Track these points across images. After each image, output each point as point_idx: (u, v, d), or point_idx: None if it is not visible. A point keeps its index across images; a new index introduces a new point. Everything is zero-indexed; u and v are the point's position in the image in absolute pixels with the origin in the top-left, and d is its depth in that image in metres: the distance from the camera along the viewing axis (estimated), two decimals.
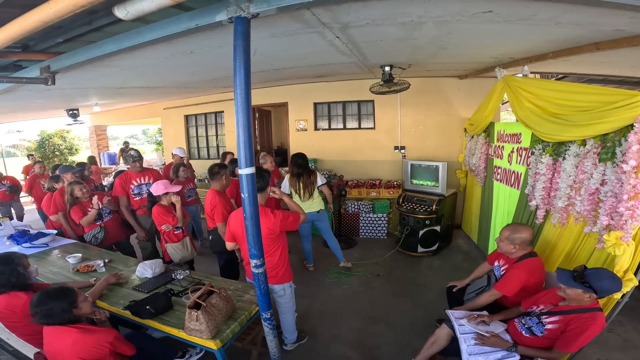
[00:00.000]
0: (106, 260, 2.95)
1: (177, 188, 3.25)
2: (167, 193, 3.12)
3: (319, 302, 3.45)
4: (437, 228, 4.41)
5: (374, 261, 4.37)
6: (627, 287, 1.94)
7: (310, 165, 5.91)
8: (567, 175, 2.30)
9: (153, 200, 3.15)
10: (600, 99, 2.04)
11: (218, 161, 3.95)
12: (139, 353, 1.95)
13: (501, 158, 3.70)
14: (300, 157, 3.92)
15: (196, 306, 1.91)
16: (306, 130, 6.22)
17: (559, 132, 2.33)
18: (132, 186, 3.67)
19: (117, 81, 4.24)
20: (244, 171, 1.69)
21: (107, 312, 2.06)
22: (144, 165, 3.94)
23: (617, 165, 1.87)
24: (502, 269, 2.47)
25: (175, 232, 3.16)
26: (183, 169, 4.53)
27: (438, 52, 3.32)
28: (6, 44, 1.88)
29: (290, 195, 3.06)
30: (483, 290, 2.56)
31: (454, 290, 2.72)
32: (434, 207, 4.28)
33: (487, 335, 2.04)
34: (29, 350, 1.98)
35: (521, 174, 3.19)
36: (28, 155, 8.89)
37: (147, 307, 2.12)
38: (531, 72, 3.97)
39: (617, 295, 1.99)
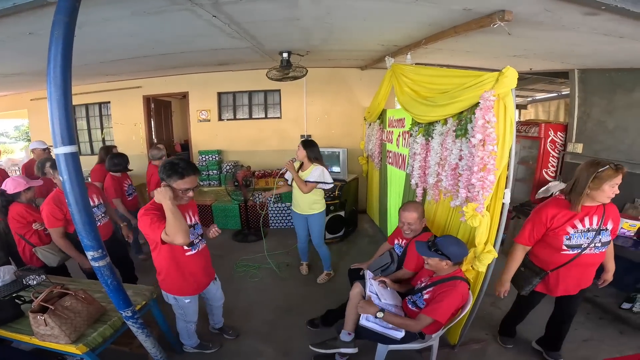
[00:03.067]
0: None
1: (39, 182, 2.88)
2: (29, 188, 2.71)
3: (229, 298, 3.17)
4: (342, 213, 4.51)
5: (284, 251, 4.31)
6: (488, 259, 2.04)
7: (214, 157, 5.62)
8: (435, 153, 2.49)
9: (8, 199, 2.67)
10: (455, 81, 2.23)
11: None
12: None
13: (391, 142, 3.92)
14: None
15: (44, 310, 1.79)
16: (209, 120, 5.86)
17: (427, 112, 2.50)
18: None
19: None
20: (61, 150, 1.46)
21: None
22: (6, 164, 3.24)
23: (469, 140, 2.05)
24: (402, 247, 2.58)
25: (46, 232, 2.72)
26: (50, 164, 3.80)
27: (329, 36, 3.32)
28: None
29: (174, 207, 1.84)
30: (388, 266, 2.66)
31: (360, 273, 2.76)
32: (336, 192, 4.36)
33: (363, 302, 2.12)
34: None
35: (406, 155, 3.40)
36: None
37: None
38: (418, 64, 4.28)
39: (482, 269, 2.10)
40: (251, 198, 4.95)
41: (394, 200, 3.85)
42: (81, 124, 6.21)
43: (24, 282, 2.37)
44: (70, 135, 1.46)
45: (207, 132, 5.88)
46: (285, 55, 3.99)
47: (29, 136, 11.30)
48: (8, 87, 5.53)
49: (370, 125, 4.81)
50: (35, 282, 2.38)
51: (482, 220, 2.02)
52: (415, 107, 2.73)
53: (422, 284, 2.17)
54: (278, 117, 5.80)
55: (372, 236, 4.83)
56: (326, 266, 3.58)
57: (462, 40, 2.81)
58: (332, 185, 3.29)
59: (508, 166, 1.94)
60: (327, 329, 2.69)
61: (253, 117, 5.89)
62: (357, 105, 5.61)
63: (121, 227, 3.19)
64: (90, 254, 1.61)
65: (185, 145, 7.81)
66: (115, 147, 4.68)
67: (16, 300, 2.12)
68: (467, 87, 2.04)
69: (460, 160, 2.21)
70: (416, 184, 2.92)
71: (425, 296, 2.07)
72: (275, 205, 5.08)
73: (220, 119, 5.88)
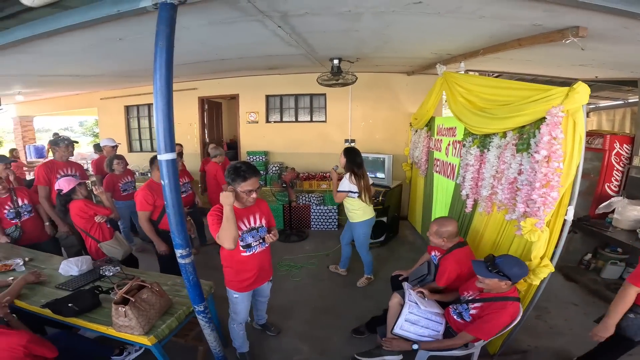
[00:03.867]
0: (26, 259, 2.75)
1: (77, 180, 3.08)
2: (81, 183, 2.92)
3: (271, 296, 3.40)
4: (384, 219, 4.53)
5: (325, 253, 4.41)
6: (544, 273, 2.02)
7: (261, 157, 5.85)
8: (491, 166, 2.45)
9: (66, 199, 2.88)
10: (518, 94, 2.18)
11: None
12: (66, 353, 1.88)
13: (440, 151, 3.88)
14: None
15: (124, 302, 1.86)
16: (257, 122, 6.10)
17: (484, 124, 2.47)
18: (57, 176, 3.36)
19: (40, 68, 3.84)
20: (163, 157, 1.64)
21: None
22: (75, 158, 3.66)
23: (531, 155, 2.01)
24: (437, 258, 2.60)
25: (109, 226, 2.99)
26: (117, 161, 4.19)
27: (383, 46, 3.37)
28: None
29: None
30: (425, 277, 2.67)
31: (399, 279, 2.82)
32: (380, 198, 4.39)
33: (392, 338, 2.19)
34: None
35: (455, 165, 3.36)
36: None
37: (70, 304, 2.03)
38: (470, 70, 4.19)
39: (536, 282, 2.07)
40: (295, 200, 5.11)
41: (440, 209, 3.81)
42: (144, 122, 6.76)
43: (100, 273, 2.50)
44: (172, 143, 1.63)
45: (255, 134, 6.13)
46: (336, 61, 4.10)
47: (94, 132, 12.47)
48: (84, 87, 6.14)
49: (416, 132, 4.78)
50: (111, 273, 2.48)
51: (541, 236, 1.99)
52: (469, 118, 2.71)
53: (470, 296, 2.15)
54: (323, 121, 5.92)
55: (412, 243, 4.80)
56: (367, 271, 3.63)
57: (525, 50, 2.74)
58: (356, 195, 3.28)
59: (573, 183, 1.89)
60: (374, 335, 2.72)
61: (299, 120, 6.06)
62: (401, 110, 5.58)
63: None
64: (179, 252, 1.77)
65: (231, 145, 8.20)
66: (180, 145, 4.99)
67: (95, 291, 2.21)
68: (532, 100, 2.00)
69: (519, 174, 2.17)
70: (467, 195, 2.89)
71: (472, 311, 2.06)
72: (318, 207, 5.21)
73: (267, 120, 6.11)
